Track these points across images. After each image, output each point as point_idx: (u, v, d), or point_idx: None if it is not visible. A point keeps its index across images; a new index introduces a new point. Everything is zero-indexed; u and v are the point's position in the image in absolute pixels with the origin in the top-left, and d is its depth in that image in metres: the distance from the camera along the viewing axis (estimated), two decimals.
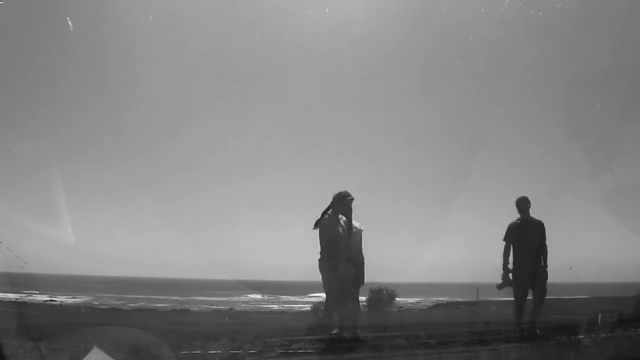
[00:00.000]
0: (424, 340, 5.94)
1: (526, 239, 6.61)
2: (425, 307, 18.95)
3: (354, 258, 6.11)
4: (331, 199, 6.02)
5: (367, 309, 9.45)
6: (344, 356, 5.49)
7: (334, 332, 6.25)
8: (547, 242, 6.71)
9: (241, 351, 5.27)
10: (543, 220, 6.80)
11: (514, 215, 6.90)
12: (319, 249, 5.93)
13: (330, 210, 6.00)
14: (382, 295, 10.08)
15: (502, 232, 6.85)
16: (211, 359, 5.00)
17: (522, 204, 6.76)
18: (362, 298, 7.02)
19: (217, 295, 43.18)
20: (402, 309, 14.94)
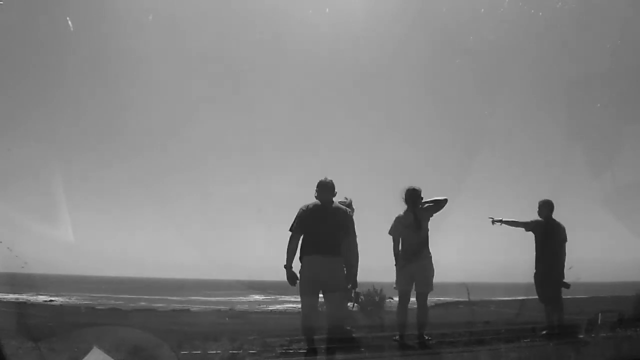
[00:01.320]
0: (424, 340, 5.94)
1: (551, 241, 6.59)
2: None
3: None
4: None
5: (361, 311, 9.42)
6: (344, 356, 5.49)
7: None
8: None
9: (241, 351, 5.27)
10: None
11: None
12: None
13: None
14: (373, 298, 10.01)
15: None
16: (211, 359, 5.00)
17: (547, 206, 6.76)
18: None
19: (217, 295, 43.13)
20: None
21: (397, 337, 5.97)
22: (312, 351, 5.08)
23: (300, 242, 5.16)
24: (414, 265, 5.94)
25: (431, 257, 6.02)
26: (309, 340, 5.15)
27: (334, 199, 5.36)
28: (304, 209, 5.21)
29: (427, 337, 5.89)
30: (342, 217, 5.23)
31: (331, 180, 5.35)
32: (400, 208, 6.21)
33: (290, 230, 5.17)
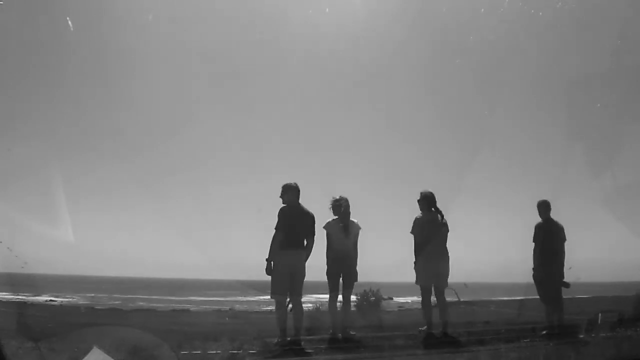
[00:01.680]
0: (424, 340, 5.94)
1: (552, 241, 6.76)
2: None
3: (348, 253, 6.28)
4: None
5: (359, 311, 9.40)
6: (344, 356, 5.50)
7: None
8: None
9: (241, 351, 5.28)
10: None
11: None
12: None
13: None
14: (369, 298, 9.99)
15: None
16: (211, 359, 5.00)
17: (545, 207, 6.90)
18: (352, 298, 6.99)
19: (217, 295, 43.15)
20: (402, 309, 14.94)
21: (423, 329, 6.21)
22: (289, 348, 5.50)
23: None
24: (435, 263, 6.28)
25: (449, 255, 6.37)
26: (283, 338, 5.67)
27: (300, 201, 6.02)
28: (285, 210, 5.90)
29: (450, 334, 6.13)
30: (310, 220, 6.03)
31: (296, 184, 6.04)
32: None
33: (276, 228, 5.86)
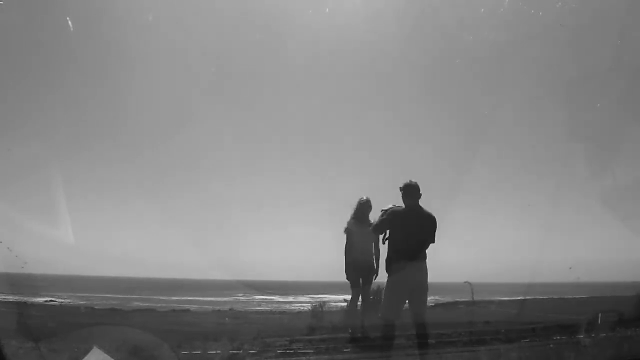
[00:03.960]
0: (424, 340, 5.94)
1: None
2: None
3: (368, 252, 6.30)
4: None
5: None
6: (344, 356, 5.49)
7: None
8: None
9: (241, 351, 5.28)
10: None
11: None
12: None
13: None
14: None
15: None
16: (211, 359, 5.00)
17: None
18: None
19: (217, 295, 43.12)
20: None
21: None
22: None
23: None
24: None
25: None
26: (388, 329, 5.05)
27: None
28: (396, 212, 5.06)
29: None
30: (432, 223, 5.06)
31: (416, 182, 5.13)
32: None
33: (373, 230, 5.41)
